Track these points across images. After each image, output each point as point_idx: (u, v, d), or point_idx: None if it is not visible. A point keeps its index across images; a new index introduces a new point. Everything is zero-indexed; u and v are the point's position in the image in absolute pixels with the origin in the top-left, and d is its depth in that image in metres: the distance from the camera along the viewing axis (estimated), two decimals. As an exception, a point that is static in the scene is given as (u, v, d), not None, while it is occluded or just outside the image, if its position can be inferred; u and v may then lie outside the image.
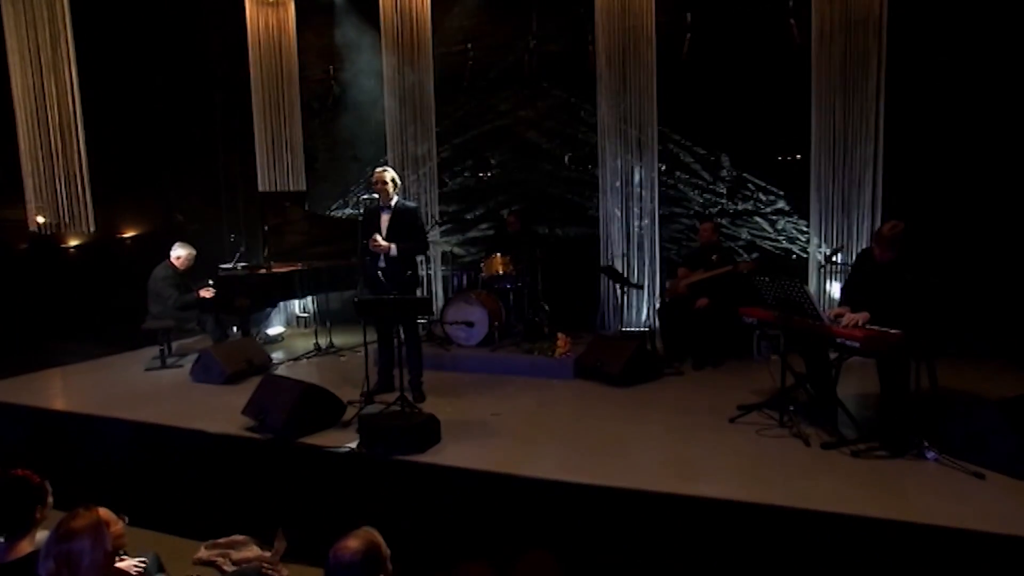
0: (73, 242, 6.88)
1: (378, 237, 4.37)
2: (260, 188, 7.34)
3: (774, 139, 5.78)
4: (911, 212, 4.79)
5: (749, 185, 5.90)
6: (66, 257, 6.89)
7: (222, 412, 4.24)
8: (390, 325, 4.59)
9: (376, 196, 4.45)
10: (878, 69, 5.11)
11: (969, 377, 4.44)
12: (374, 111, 6.96)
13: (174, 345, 6.40)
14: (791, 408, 3.74)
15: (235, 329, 6.15)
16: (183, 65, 7.30)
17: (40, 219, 6.50)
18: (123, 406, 4.54)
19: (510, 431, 3.86)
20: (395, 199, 4.48)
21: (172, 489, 3.92)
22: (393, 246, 4.38)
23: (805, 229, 5.66)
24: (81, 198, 6.35)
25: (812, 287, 5.49)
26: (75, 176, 6.28)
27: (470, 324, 5.50)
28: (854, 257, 4.68)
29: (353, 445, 3.60)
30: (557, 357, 5.03)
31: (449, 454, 3.50)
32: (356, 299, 4.02)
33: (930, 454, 3.12)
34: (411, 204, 4.56)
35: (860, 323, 3.40)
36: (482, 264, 5.76)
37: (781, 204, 5.81)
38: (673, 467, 3.22)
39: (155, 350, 5.89)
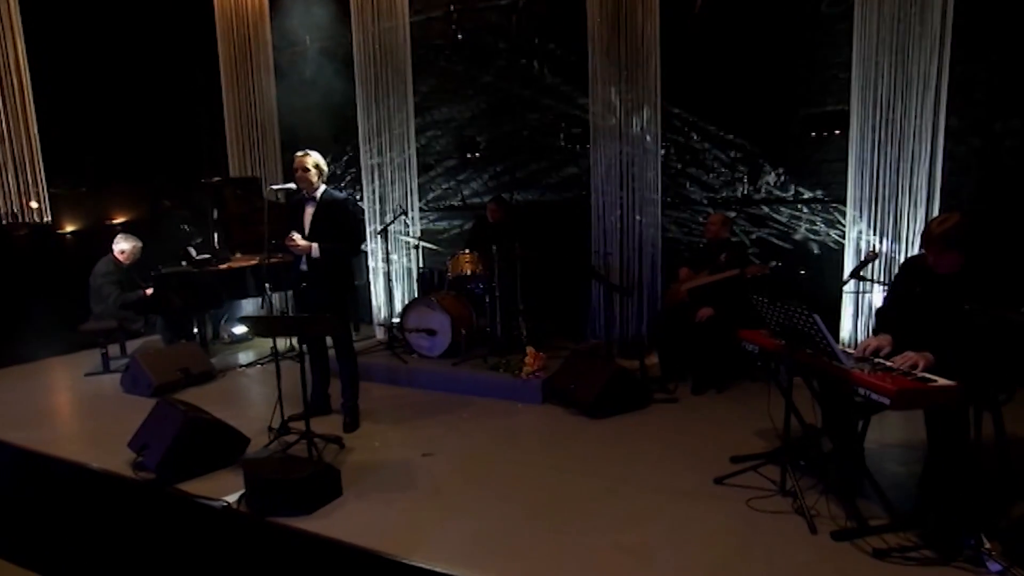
0: (68, 228, 6.55)
1: (296, 236, 3.63)
2: (231, 173, 6.78)
3: (806, 110, 4.69)
4: (981, 205, 3.71)
5: (775, 168, 4.84)
6: (47, 247, 6.51)
7: (127, 438, 3.62)
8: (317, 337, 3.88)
9: (294, 186, 3.70)
10: (943, 18, 3.95)
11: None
12: (352, 84, 6.19)
13: (135, 343, 5.93)
14: (801, 463, 2.88)
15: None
16: (162, 44, 6.76)
17: (34, 204, 6.18)
18: (24, 424, 4.03)
19: (433, 482, 3.09)
20: (321, 189, 3.72)
21: (49, 529, 3.35)
22: (315, 246, 3.63)
23: (842, 222, 4.57)
24: (33, 186, 5.90)
25: (845, 299, 4.42)
26: (27, 163, 5.84)
27: (431, 332, 4.73)
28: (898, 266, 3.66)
29: (232, 499, 2.92)
30: (524, 376, 4.21)
31: (341, 517, 2.77)
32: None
33: (994, 566, 2.16)
34: (340, 195, 3.79)
35: (921, 368, 2.39)
36: (448, 262, 4.96)
37: (814, 192, 4.74)
38: (623, 558, 2.39)
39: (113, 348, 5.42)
